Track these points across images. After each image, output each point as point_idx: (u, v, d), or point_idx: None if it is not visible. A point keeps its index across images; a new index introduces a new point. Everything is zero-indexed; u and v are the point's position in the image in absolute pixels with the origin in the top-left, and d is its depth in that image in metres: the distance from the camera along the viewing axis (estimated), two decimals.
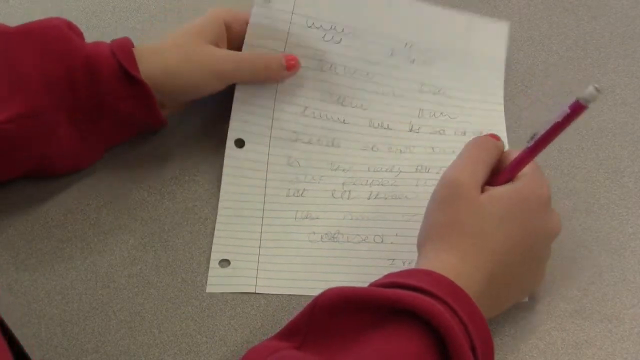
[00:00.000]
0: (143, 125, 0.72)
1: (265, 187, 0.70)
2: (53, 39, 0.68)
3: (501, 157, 0.62)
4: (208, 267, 0.67)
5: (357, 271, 0.66)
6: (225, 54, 0.71)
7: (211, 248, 0.68)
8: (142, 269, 0.67)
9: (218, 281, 0.66)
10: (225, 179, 0.71)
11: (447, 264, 0.55)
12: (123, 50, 0.68)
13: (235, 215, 0.69)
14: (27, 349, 0.59)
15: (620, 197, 0.69)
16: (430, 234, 0.58)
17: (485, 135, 0.63)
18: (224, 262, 0.67)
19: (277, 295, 0.65)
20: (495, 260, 0.56)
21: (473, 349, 0.51)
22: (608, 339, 0.60)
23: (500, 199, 0.57)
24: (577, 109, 0.55)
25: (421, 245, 0.59)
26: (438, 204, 0.58)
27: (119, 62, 0.67)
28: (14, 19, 0.90)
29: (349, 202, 0.69)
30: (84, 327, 0.64)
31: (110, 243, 0.69)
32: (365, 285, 0.55)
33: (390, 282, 0.54)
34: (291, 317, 0.63)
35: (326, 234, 0.68)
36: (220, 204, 0.70)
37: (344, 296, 0.52)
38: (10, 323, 0.62)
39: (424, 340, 0.51)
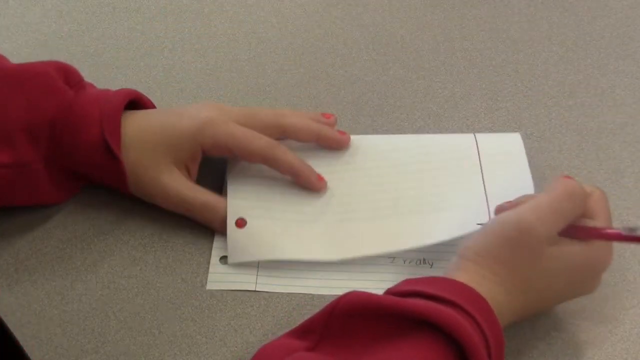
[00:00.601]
0: (109, 186, 0.70)
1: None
2: (41, 89, 0.67)
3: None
4: (208, 268, 0.67)
5: (358, 269, 0.66)
6: (176, 193, 0.67)
7: (211, 248, 0.68)
8: (142, 270, 0.67)
9: (218, 278, 0.66)
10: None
11: (486, 289, 0.55)
12: (111, 123, 0.66)
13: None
14: (27, 349, 0.59)
15: (620, 197, 0.69)
16: (482, 258, 0.57)
17: (576, 184, 0.59)
18: (225, 259, 0.67)
19: (277, 296, 0.65)
20: (533, 298, 0.58)
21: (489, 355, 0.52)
22: (608, 339, 0.60)
23: (568, 257, 0.57)
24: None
25: (466, 258, 0.57)
26: (504, 240, 0.56)
27: (104, 135, 0.66)
28: (14, 18, 0.90)
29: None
30: (84, 327, 0.64)
31: (110, 243, 0.69)
32: (380, 290, 0.55)
33: (411, 291, 0.54)
34: (291, 317, 0.63)
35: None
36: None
37: (365, 302, 0.52)
38: (10, 323, 0.63)
39: (443, 352, 0.50)
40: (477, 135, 0.70)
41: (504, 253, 0.56)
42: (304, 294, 0.65)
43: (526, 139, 0.73)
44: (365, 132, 0.76)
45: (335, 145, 0.70)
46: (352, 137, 0.71)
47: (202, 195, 0.68)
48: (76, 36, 0.88)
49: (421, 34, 0.85)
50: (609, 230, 0.57)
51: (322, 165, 0.69)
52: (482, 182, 0.68)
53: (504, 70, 0.80)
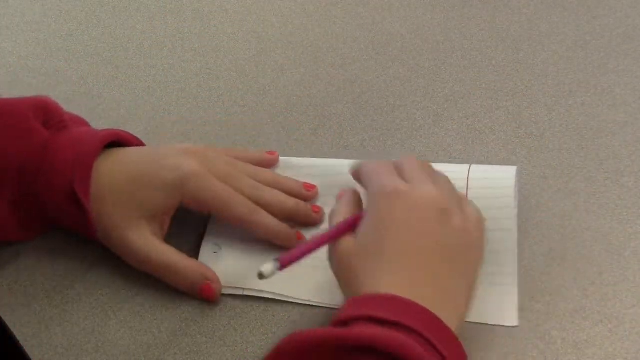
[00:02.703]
0: (77, 232, 0.68)
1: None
2: (12, 133, 0.65)
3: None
4: None
5: None
6: (143, 255, 0.65)
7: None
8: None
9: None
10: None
11: (393, 287, 0.54)
12: (82, 170, 0.64)
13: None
14: (27, 349, 0.59)
15: (620, 197, 0.69)
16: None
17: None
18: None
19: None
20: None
21: None
22: (608, 339, 0.60)
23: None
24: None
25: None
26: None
27: (73, 179, 0.64)
28: (14, 19, 0.90)
29: None
30: (84, 327, 0.64)
31: None
32: None
33: (357, 316, 0.52)
34: (291, 317, 0.63)
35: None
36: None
37: (310, 340, 0.50)
38: (10, 323, 0.62)
39: None
40: (473, 166, 0.69)
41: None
42: (294, 297, 0.65)
43: (526, 138, 0.73)
44: (365, 132, 0.76)
45: (307, 222, 0.68)
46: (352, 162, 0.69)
47: (168, 258, 0.64)
48: (76, 36, 0.88)
49: (421, 34, 0.85)
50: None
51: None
52: None
53: (504, 70, 0.80)
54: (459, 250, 0.57)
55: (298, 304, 0.64)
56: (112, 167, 0.65)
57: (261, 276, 0.56)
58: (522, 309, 0.62)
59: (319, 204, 0.69)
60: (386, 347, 0.49)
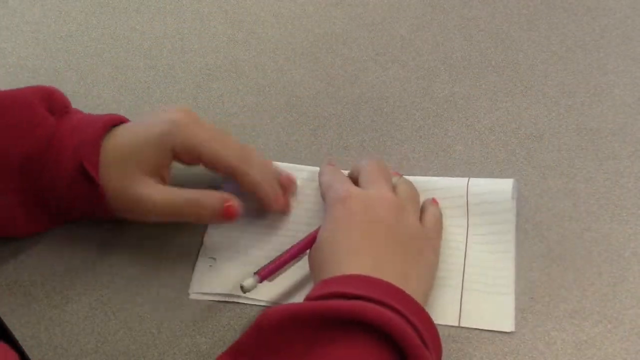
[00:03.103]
0: (92, 217, 0.69)
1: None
2: (18, 119, 0.66)
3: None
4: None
5: None
6: (160, 198, 0.65)
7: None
8: (142, 270, 0.67)
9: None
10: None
11: (357, 270, 0.57)
12: (89, 147, 0.66)
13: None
14: (27, 349, 0.59)
15: (619, 197, 0.69)
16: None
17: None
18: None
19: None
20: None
21: (424, 344, 0.53)
22: (608, 339, 0.60)
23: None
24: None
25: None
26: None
27: (81, 162, 0.65)
28: (14, 19, 0.90)
29: None
30: (84, 327, 0.64)
31: (110, 243, 0.69)
32: None
33: (330, 293, 0.54)
34: None
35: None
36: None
37: (288, 313, 0.52)
38: (10, 323, 0.63)
39: (377, 348, 0.51)
40: (471, 180, 0.69)
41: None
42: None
43: (526, 139, 0.73)
44: (365, 132, 0.76)
45: (287, 189, 0.71)
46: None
47: (185, 193, 0.66)
48: (76, 36, 0.88)
49: (421, 34, 0.85)
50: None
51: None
52: (466, 226, 0.67)
53: (504, 70, 0.80)
54: (412, 243, 0.61)
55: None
56: (115, 140, 0.67)
57: (243, 289, 0.62)
58: (521, 310, 0.62)
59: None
60: (365, 317, 0.51)
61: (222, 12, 0.90)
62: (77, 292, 0.66)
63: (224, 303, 0.65)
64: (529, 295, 0.63)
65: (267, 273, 0.63)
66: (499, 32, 0.84)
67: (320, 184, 0.68)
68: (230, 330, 0.63)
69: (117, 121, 0.69)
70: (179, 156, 0.66)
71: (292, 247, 0.64)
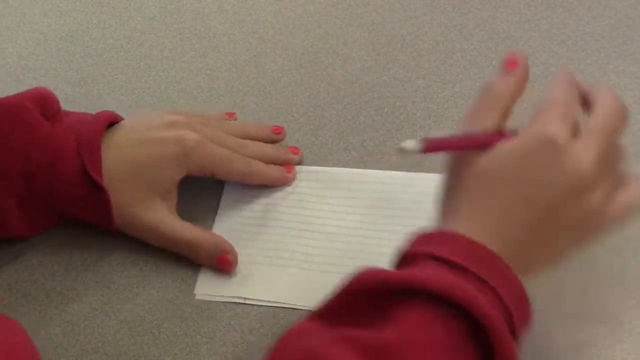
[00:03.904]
0: (92, 221, 0.69)
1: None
2: (15, 125, 0.66)
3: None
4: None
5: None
6: (164, 232, 0.67)
7: None
8: (142, 270, 0.67)
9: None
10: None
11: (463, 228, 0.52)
12: (90, 149, 0.66)
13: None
14: None
15: None
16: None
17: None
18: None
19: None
20: (509, 222, 0.53)
21: (512, 328, 0.50)
22: (608, 339, 0.60)
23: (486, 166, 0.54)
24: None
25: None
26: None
27: (83, 163, 0.65)
28: (14, 18, 0.90)
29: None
30: (84, 327, 0.64)
31: (110, 243, 0.69)
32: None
33: (422, 252, 0.51)
34: (291, 317, 0.63)
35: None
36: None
37: (375, 279, 0.50)
38: None
39: (456, 326, 0.49)
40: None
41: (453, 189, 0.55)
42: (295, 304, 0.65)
43: None
44: (365, 132, 0.76)
45: (288, 163, 0.73)
46: (347, 170, 0.72)
47: (188, 232, 0.67)
48: (76, 36, 0.88)
49: (421, 34, 0.85)
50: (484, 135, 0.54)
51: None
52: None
53: None
54: (578, 227, 0.53)
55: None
56: (115, 153, 0.67)
57: (401, 151, 0.52)
58: None
59: (350, 212, 0.70)
60: (450, 296, 0.48)
61: (222, 12, 0.90)
62: (77, 292, 0.66)
63: (225, 303, 0.65)
64: (529, 295, 0.63)
65: (434, 145, 0.53)
66: (499, 32, 0.84)
67: (549, 91, 0.56)
68: (230, 330, 0.63)
69: (111, 118, 0.69)
70: (190, 174, 0.68)
71: (475, 136, 0.54)
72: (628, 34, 0.81)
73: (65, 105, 0.71)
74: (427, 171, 0.71)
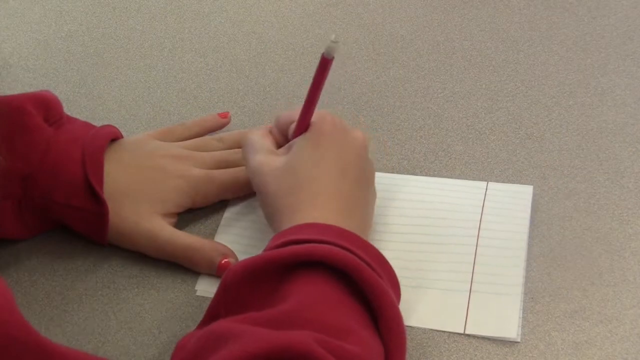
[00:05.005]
0: (85, 233, 0.68)
1: None
2: (15, 125, 0.65)
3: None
4: None
5: None
6: (157, 238, 0.67)
7: None
8: (142, 270, 0.67)
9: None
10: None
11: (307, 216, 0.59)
12: (94, 163, 0.66)
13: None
14: None
15: (620, 197, 0.69)
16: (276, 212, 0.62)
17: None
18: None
19: None
20: (335, 194, 0.61)
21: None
22: (608, 339, 0.60)
23: (300, 147, 0.62)
24: (325, 62, 0.62)
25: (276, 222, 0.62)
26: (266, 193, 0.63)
27: (87, 177, 0.65)
28: (14, 18, 0.90)
29: None
30: (84, 327, 0.64)
31: (110, 243, 0.69)
32: None
33: (285, 242, 0.56)
34: None
35: None
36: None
37: (248, 265, 0.55)
38: None
39: (335, 282, 0.54)
40: (490, 184, 0.69)
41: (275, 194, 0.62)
42: None
43: (526, 139, 0.73)
44: (365, 131, 0.76)
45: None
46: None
47: (185, 239, 0.67)
48: (76, 36, 0.88)
49: (421, 34, 0.85)
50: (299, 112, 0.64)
51: None
52: (477, 228, 0.67)
53: (504, 70, 0.80)
54: (358, 164, 0.63)
55: None
56: (117, 169, 0.67)
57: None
58: (521, 310, 0.62)
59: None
60: (321, 257, 0.54)
61: (223, 12, 0.90)
62: (77, 292, 0.66)
63: None
64: (529, 296, 0.63)
65: None
66: (499, 32, 0.84)
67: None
68: None
69: (113, 135, 0.69)
70: (194, 206, 0.70)
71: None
72: (628, 34, 0.81)
73: (65, 105, 0.71)
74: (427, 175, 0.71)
